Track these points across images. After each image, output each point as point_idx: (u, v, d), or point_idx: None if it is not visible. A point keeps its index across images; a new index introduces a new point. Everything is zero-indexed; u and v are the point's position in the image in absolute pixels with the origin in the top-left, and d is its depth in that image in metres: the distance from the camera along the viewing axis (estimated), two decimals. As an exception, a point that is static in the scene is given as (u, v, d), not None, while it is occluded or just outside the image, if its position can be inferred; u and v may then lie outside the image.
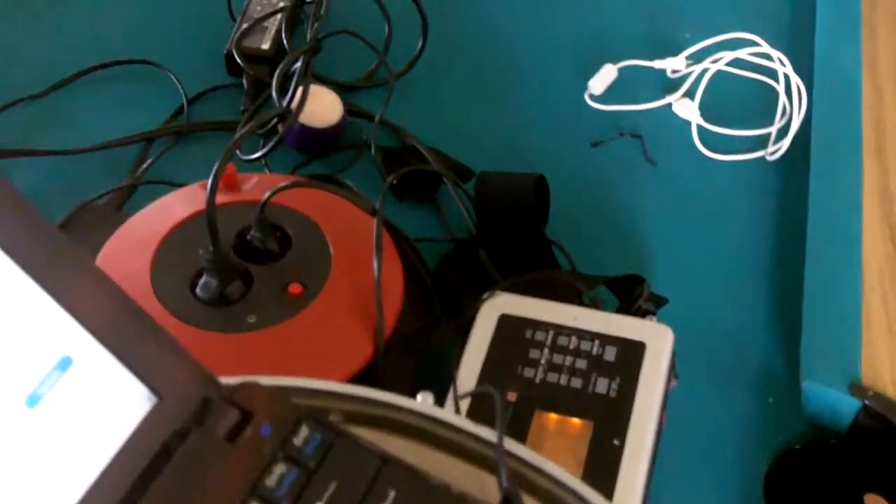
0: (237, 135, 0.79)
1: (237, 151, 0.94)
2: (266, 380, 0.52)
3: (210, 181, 0.71)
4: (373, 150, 0.95)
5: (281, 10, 1.05)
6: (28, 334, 0.39)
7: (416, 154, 0.94)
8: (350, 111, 0.97)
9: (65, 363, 0.40)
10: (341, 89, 1.00)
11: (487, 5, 1.13)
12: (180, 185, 0.90)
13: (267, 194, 0.75)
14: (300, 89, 0.92)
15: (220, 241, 0.73)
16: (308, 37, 0.96)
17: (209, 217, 0.71)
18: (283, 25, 1.02)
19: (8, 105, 1.01)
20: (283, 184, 0.77)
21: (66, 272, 0.39)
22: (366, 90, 1.03)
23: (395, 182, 0.85)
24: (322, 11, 0.98)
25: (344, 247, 0.78)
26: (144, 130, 0.99)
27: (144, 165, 0.95)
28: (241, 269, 0.75)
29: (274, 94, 0.92)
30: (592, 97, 1.02)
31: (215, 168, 0.72)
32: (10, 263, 0.38)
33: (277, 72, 0.93)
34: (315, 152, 0.96)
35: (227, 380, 0.49)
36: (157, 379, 0.43)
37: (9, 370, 0.38)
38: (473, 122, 1.01)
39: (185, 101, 1.02)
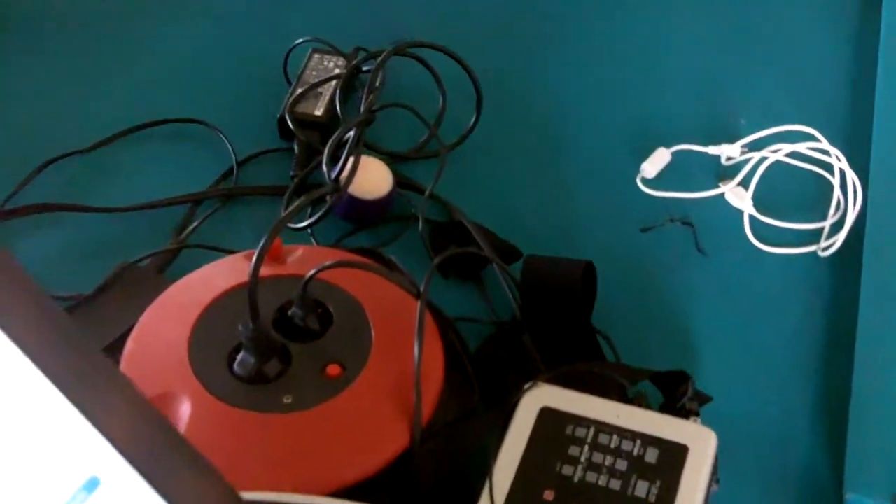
0: (285, 212, 0.78)
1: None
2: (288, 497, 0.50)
3: (254, 259, 0.71)
4: (420, 225, 0.94)
5: (336, 77, 1.05)
6: (55, 452, 0.38)
7: (463, 230, 0.93)
8: (399, 182, 0.97)
9: (92, 484, 0.38)
10: (391, 159, 1.00)
11: (542, 82, 1.13)
12: (224, 251, 0.90)
13: (310, 273, 0.75)
14: (350, 160, 0.92)
15: (261, 317, 0.72)
16: (362, 107, 0.96)
17: (251, 295, 0.70)
18: (338, 93, 1.02)
19: (56, 158, 1.01)
20: (328, 262, 0.76)
21: (97, 385, 0.38)
22: (416, 161, 1.03)
23: (440, 263, 0.83)
24: (378, 84, 0.98)
25: (385, 328, 0.76)
26: (192, 192, 0.98)
27: (190, 228, 0.95)
28: (279, 346, 0.74)
29: (324, 166, 0.92)
30: (644, 180, 1.01)
31: (260, 246, 0.71)
32: (40, 377, 0.37)
33: (329, 143, 0.93)
34: (362, 223, 0.95)
35: (248, 495, 0.48)
36: (183, 499, 0.42)
37: (34, 491, 0.37)
38: (523, 199, 1.00)
39: (234, 163, 1.01)
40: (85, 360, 0.38)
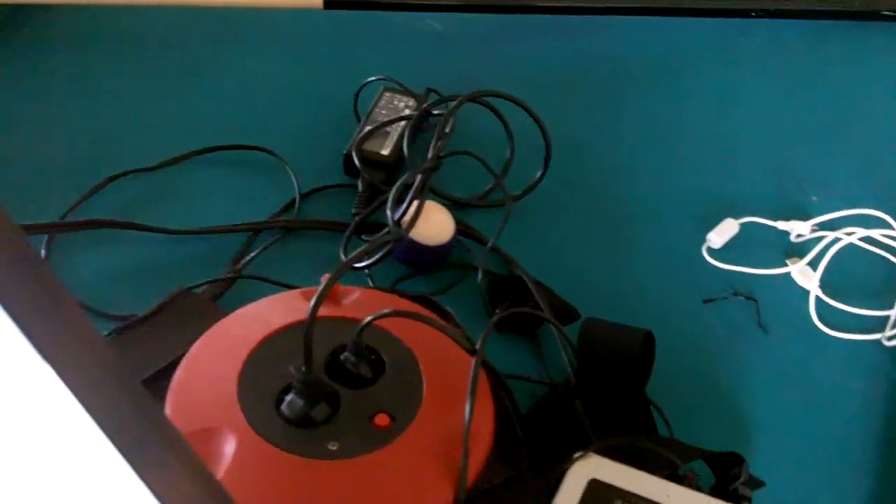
0: (349, 255, 0.77)
1: (341, 255, 0.93)
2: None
3: (313, 303, 0.70)
4: (479, 277, 0.92)
5: (406, 118, 1.04)
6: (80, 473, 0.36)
7: (521, 286, 0.91)
8: (460, 230, 0.96)
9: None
10: (454, 205, 0.99)
11: (614, 142, 1.11)
12: (281, 284, 0.89)
13: (366, 320, 0.73)
14: (415, 205, 0.91)
15: (313, 360, 0.71)
16: (430, 152, 0.95)
17: (307, 340, 0.69)
18: (407, 134, 1.01)
19: (120, 175, 1.01)
20: (384, 311, 0.74)
21: (139, 425, 0.37)
22: (478, 210, 1.01)
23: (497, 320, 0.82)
24: (447, 130, 0.97)
25: (437, 381, 0.75)
26: (252, 221, 0.98)
27: (248, 258, 0.94)
28: (329, 390, 0.73)
29: (388, 210, 0.90)
30: (710, 251, 0.99)
31: (320, 291, 0.70)
32: (108, 445, 0.36)
33: (395, 187, 0.92)
34: (420, 267, 0.94)
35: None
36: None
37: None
38: (584, 259, 0.98)
39: (297, 195, 1.01)
40: (125, 395, 0.37)
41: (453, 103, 0.98)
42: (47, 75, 1.14)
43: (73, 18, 1.21)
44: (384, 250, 0.90)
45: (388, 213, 0.90)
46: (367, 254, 0.88)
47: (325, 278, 0.76)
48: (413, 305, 0.82)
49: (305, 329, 0.69)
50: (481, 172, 1.02)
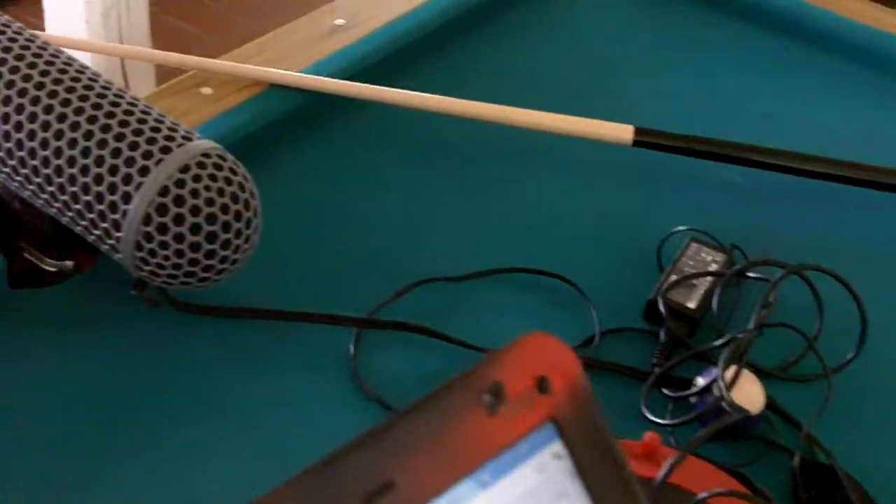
0: (692, 440, 0.75)
1: (643, 409, 0.91)
2: None
3: (661, 476, 0.68)
4: (795, 461, 0.89)
5: (716, 274, 1.02)
6: None
7: (831, 477, 0.87)
8: (769, 405, 0.93)
9: None
10: (761, 374, 0.96)
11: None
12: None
13: (702, 496, 0.71)
14: (731, 371, 0.89)
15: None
16: (753, 321, 0.92)
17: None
18: (718, 293, 0.99)
19: (427, 280, 1.02)
20: (719, 489, 0.72)
21: None
22: (786, 383, 0.98)
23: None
24: (770, 300, 0.95)
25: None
26: (552, 350, 0.97)
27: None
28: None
29: (722, 385, 0.88)
30: None
31: (668, 466, 0.69)
32: None
33: (723, 359, 0.90)
34: (722, 435, 0.91)
35: None
36: None
37: None
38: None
39: (597, 332, 1.00)
40: None
41: (778, 274, 0.96)
42: (358, 168, 1.17)
43: (387, 118, 1.24)
44: (695, 414, 0.88)
45: (722, 389, 0.88)
46: (707, 440, 0.85)
47: (649, 436, 0.74)
48: (730, 481, 0.79)
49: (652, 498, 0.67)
50: (782, 343, 0.99)
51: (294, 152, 1.18)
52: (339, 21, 1.33)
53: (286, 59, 1.27)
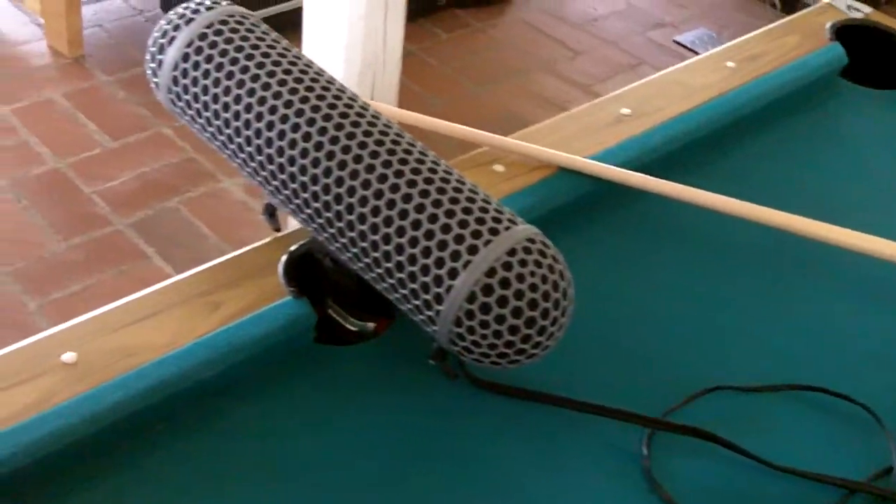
0: None
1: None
2: None
3: None
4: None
5: None
6: None
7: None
8: None
9: None
10: None
11: None
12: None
13: None
14: None
15: None
16: None
17: None
18: None
19: (722, 387, 1.01)
20: None
21: None
22: None
23: None
24: None
25: None
26: (846, 478, 0.94)
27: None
28: None
29: None
30: None
31: None
32: None
33: None
34: None
35: None
36: None
37: None
38: None
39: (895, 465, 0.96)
40: None
41: None
42: (645, 261, 1.17)
43: (665, 210, 1.23)
44: None
45: None
46: None
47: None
48: None
49: None
50: None
51: (579, 238, 1.18)
52: (626, 111, 1.34)
53: (572, 143, 1.27)
